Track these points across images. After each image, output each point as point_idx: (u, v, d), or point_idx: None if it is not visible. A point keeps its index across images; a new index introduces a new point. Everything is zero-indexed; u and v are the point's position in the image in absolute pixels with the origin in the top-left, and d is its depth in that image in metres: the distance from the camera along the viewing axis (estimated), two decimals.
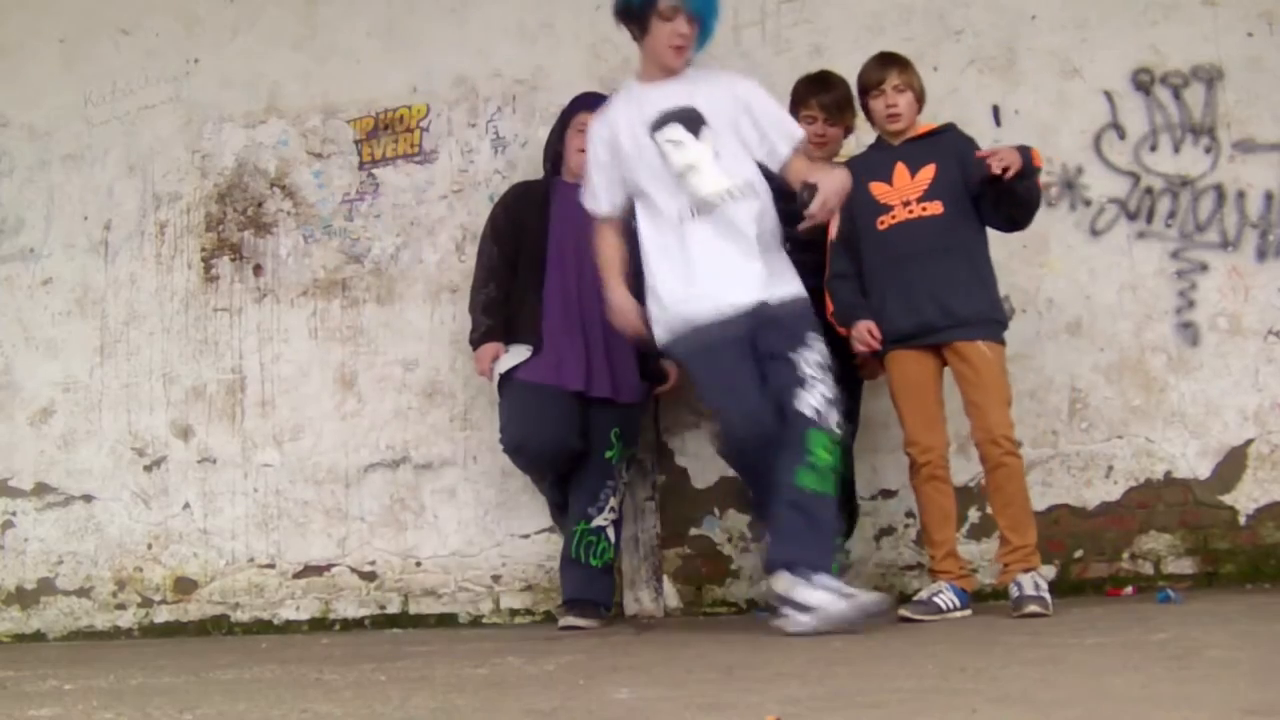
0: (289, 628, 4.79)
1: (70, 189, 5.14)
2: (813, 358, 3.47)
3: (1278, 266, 4.58)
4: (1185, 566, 4.49)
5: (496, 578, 4.74)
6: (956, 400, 3.87)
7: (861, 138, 4.28)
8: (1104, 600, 4.26)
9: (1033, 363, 4.61)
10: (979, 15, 4.77)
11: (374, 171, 4.99)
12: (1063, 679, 2.28)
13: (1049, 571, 4.42)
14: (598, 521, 4.23)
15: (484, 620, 4.70)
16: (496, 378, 4.28)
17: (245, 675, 3.06)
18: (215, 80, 5.11)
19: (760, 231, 3.56)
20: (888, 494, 4.58)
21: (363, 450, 4.87)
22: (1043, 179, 4.62)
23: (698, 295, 3.51)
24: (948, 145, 3.91)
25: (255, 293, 5.00)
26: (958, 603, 3.73)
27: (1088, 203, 4.66)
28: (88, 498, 4.98)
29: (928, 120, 4.00)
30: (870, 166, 3.93)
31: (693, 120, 3.57)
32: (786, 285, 3.59)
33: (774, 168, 3.62)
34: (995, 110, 4.71)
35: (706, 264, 3.52)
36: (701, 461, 4.59)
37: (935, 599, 3.71)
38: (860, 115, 4.16)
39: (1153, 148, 4.66)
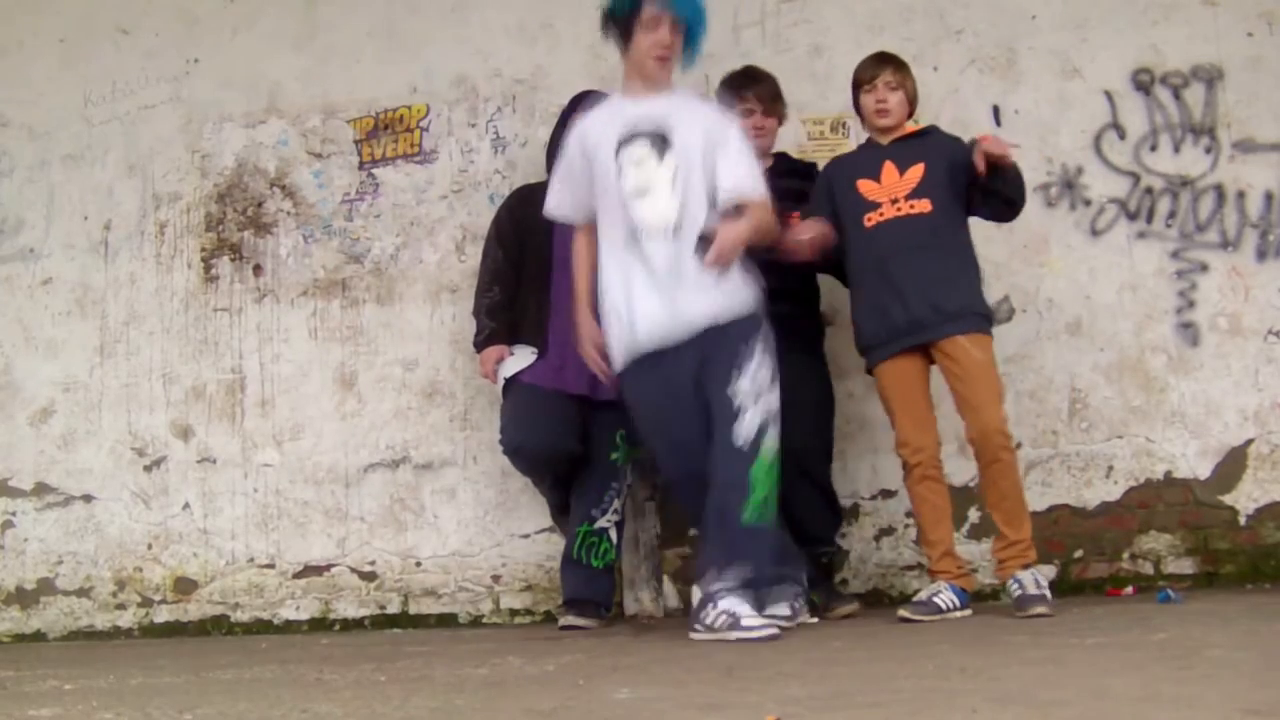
0: (289, 628, 4.79)
1: (70, 189, 5.14)
2: (745, 385, 3.39)
3: (1278, 266, 4.59)
4: (1185, 566, 4.49)
5: (496, 578, 4.74)
6: (951, 401, 3.87)
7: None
8: (1104, 600, 4.26)
9: (1033, 363, 4.61)
10: (979, 15, 4.77)
11: (374, 171, 5.00)
12: (1063, 679, 2.28)
13: (1049, 571, 4.43)
14: (601, 523, 4.23)
15: (484, 620, 4.70)
16: (501, 381, 4.28)
17: (245, 675, 3.05)
18: (215, 80, 5.11)
19: (703, 276, 3.44)
20: (888, 494, 4.58)
21: (363, 450, 4.87)
22: (1043, 179, 4.65)
23: (642, 321, 3.47)
24: (935, 145, 3.93)
25: (255, 293, 5.00)
26: (957, 602, 3.73)
27: (1088, 203, 4.66)
28: (88, 498, 4.97)
29: (928, 122, 4.00)
30: (858, 164, 3.95)
31: (660, 141, 3.51)
32: (732, 304, 3.48)
33: (722, 199, 3.50)
34: (995, 110, 4.71)
35: (649, 290, 3.46)
36: None
37: (935, 599, 3.72)
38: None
39: (1153, 148, 4.66)
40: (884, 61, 3.95)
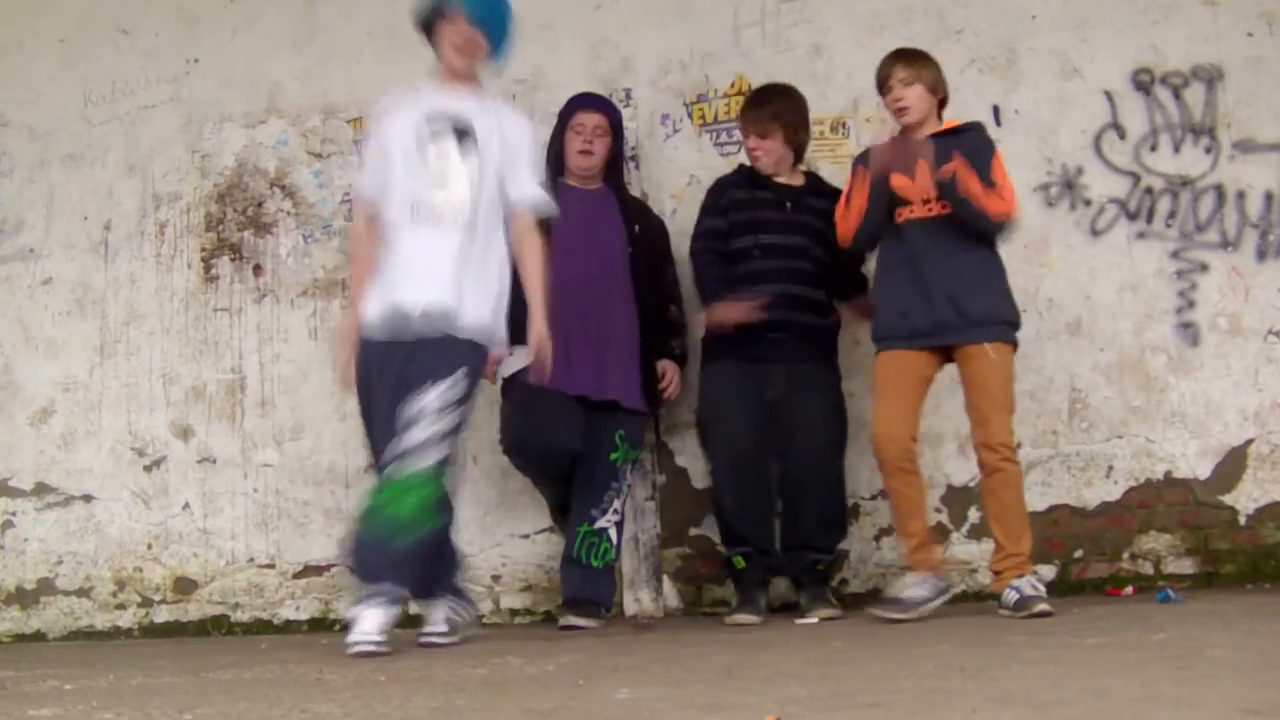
0: (289, 628, 4.79)
1: (70, 189, 5.14)
2: (431, 403, 3.42)
3: (1278, 266, 4.58)
4: (1185, 566, 4.49)
5: (496, 578, 4.74)
6: (952, 401, 3.87)
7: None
8: (1104, 600, 4.26)
9: (1033, 363, 4.60)
10: (979, 15, 4.76)
11: None
12: (1063, 679, 2.28)
13: (1048, 572, 4.43)
14: (601, 523, 4.22)
15: (484, 620, 4.69)
16: (500, 381, 4.28)
17: (245, 675, 3.05)
18: (215, 80, 5.11)
19: (470, 258, 3.54)
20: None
21: (362, 450, 4.81)
22: (1043, 179, 4.65)
23: (390, 297, 3.53)
24: (966, 145, 3.86)
25: (255, 293, 5.00)
26: (935, 592, 3.72)
27: (1088, 203, 4.66)
28: (88, 498, 4.97)
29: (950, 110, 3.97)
30: (899, 156, 3.86)
31: (464, 134, 3.62)
32: (466, 314, 3.53)
33: (504, 209, 3.63)
34: (995, 110, 4.70)
35: (410, 269, 3.53)
36: (701, 462, 4.58)
37: (907, 594, 3.70)
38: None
39: (1153, 148, 4.66)
40: (895, 59, 3.90)
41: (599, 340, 4.22)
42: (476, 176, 3.59)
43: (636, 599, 4.62)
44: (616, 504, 4.27)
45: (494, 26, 3.68)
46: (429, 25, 3.71)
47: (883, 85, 3.92)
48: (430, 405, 3.41)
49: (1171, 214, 4.63)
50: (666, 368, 4.37)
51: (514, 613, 4.72)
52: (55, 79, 5.19)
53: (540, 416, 4.14)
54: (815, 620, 3.97)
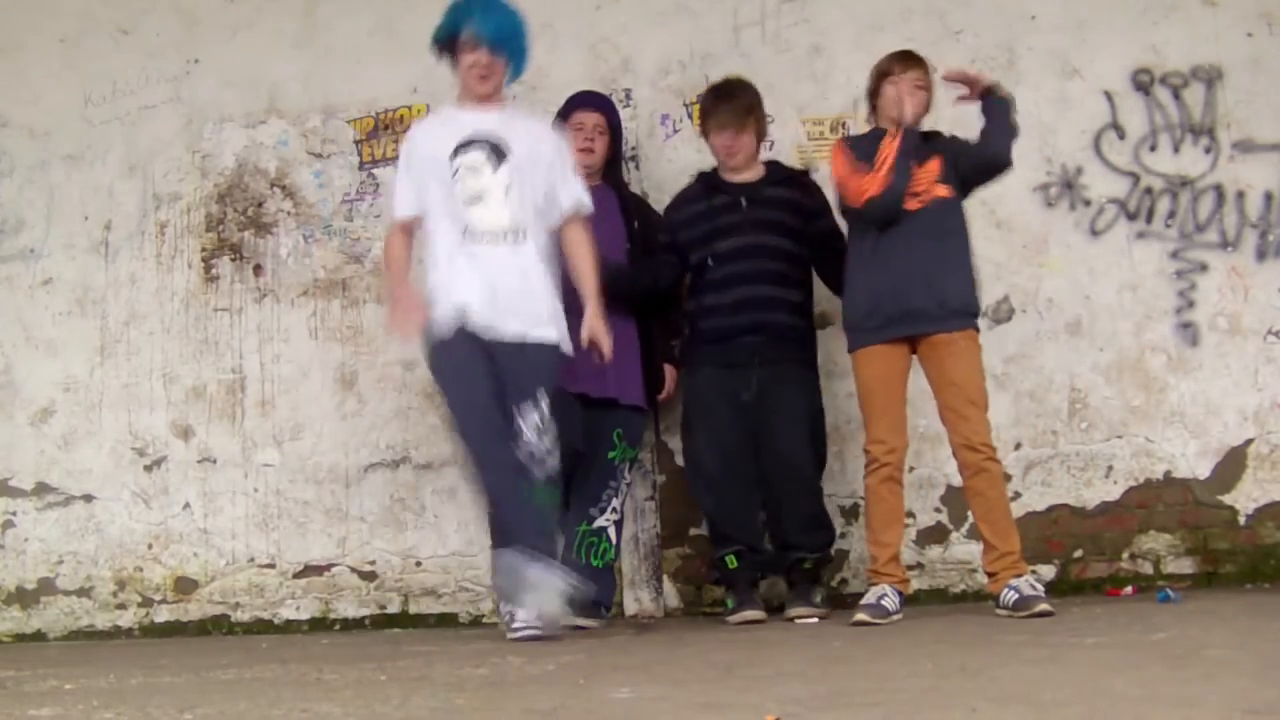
0: (289, 628, 4.79)
1: (70, 189, 5.14)
2: (533, 419, 3.56)
3: (1277, 266, 4.58)
4: (1185, 566, 4.49)
5: None
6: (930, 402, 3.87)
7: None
8: (1104, 600, 4.26)
9: (1033, 363, 4.61)
10: (979, 15, 4.77)
11: (374, 171, 5.00)
12: (1063, 679, 2.28)
13: (1048, 572, 4.43)
14: (599, 522, 4.22)
15: (484, 620, 4.69)
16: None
17: (245, 675, 3.06)
18: (215, 80, 5.11)
19: (533, 272, 3.68)
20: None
21: (363, 450, 4.87)
22: (1043, 179, 4.66)
23: (460, 308, 3.62)
24: (945, 142, 3.92)
25: (255, 293, 5.00)
26: (898, 605, 3.73)
27: (1088, 203, 4.66)
28: (88, 498, 4.98)
29: (927, 117, 3.97)
30: (878, 149, 3.86)
31: (496, 151, 3.70)
32: (540, 329, 3.66)
33: (550, 221, 3.76)
34: None
35: (475, 284, 3.62)
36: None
37: (882, 602, 3.70)
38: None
39: (1152, 148, 4.66)
40: (916, 61, 3.91)
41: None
42: (514, 189, 3.67)
43: (636, 599, 4.62)
44: (615, 503, 4.27)
45: (512, 48, 3.76)
46: (447, 49, 3.78)
47: (892, 74, 3.90)
48: (545, 414, 3.57)
49: (1171, 214, 4.63)
50: (665, 371, 4.39)
51: None
52: (55, 79, 5.19)
53: None
54: (813, 620, 3.97)
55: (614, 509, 4.26)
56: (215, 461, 4.93)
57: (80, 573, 4.95)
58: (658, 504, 4.67)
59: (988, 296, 4.37)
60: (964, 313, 3.82)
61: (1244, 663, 2.46)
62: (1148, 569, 4.50)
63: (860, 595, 3.94)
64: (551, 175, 3.76)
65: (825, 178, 4.45)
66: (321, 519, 4.86)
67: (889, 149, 3.80)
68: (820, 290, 4.35)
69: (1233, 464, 4.52)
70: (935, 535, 4.59)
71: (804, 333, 4.27)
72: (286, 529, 4.87)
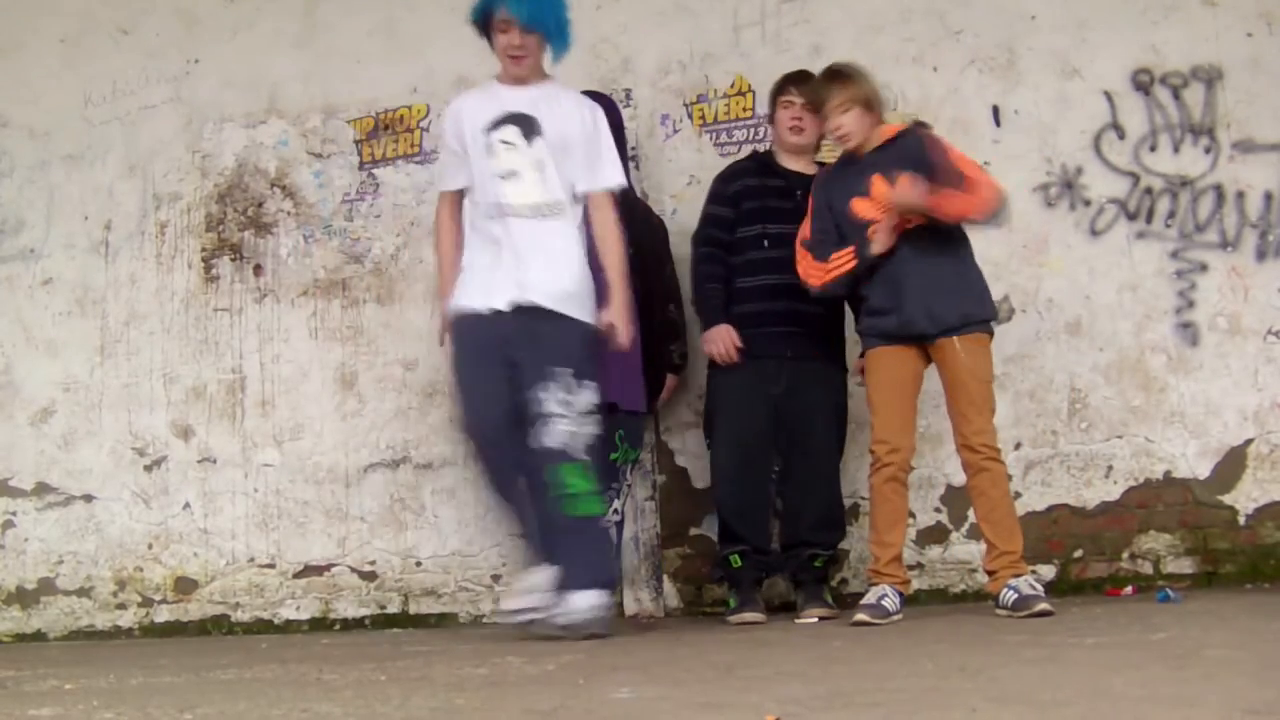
0: (289, 628, 4.79)
1: (70, 189, 5.14)
2: (558, 393, 3.57)
3: (1277, 266, 4.58)
4: (1185, 566, 4.49)
5: (496, 577, 4.74)
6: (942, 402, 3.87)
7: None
8: (1104, 600, 4.26)
9: (1033, 363, 4.61)
10: (979, 15, 4.76)
11: (374, 171, 5.00)
12: (1063, 679, 2.28)
13: (1048, 572, 4.43)
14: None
15: (484, 620, 4.69)
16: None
17: (245, 675, 3.06)
18: (215, 80, 5.11)
19: (564, 248, 3.69)
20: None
21: (363, 450, 4.87)
22: (1043, 179, 4.65)
23: (483, 285, 3.66)
24: (909, 152, 3.83)
25: (255, 293, 5.00)
26: (898, 606, 3.73)
27: (1088, 203, 4.66)
28: (88, 498, 4.98)
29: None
30: (848, 183, 3.88)
31: (530, 127, 3.71)
32: (567, 306, 3.65)
33: (580, 189, 3.74)
34: (995, 110, 4.71)
35: (504, 260, 3.66)
36: (701, 461, 4.59)
37: (883, 602, 3.70)
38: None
39: (1152, 148, 4.66)
40: (829, 83, 3.87)
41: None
42: (547, 166, 3.68)
43: (636, 599, 4.62)
44: (616, 504, 4.27)
45: (549, 24, 3.75)
46: (484, 26, 3.78)
47: (818, 107, 3.93)
48: (573, 387, 3.60)
49: (1171, 214, 4.63)
50: (665, 378, 4.41)
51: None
52: (55, 79, 5.19)
53: None
54: (814, 620, 3.97)
55: (615, 510, 4.27)
56: (215, 461, 4.93)
57: (80, 573, 4.95)
58: (658, 504, 4.67)
59: None
60: (979, 319, 3.84)
61: (1244, 663, 2.46)
62: (1148, 569, 4.50)
63: (860, 595, 3.94)
64: (587, 152, 3.74)
65: None
66: (321, 519, 4.86)
67: (842, 263, 3.84)
68: None
69: (1233, 464, 4.52)
70: (935, 535, 4.59)
71: (835, 328, 4.24)
72: (286, 529, 4.87)
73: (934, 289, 3.78)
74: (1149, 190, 4.64)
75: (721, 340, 4.15)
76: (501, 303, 3.63)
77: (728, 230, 4.25)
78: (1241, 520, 4.50)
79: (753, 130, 4.79)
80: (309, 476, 4.88)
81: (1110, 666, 2.45)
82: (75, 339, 5.06)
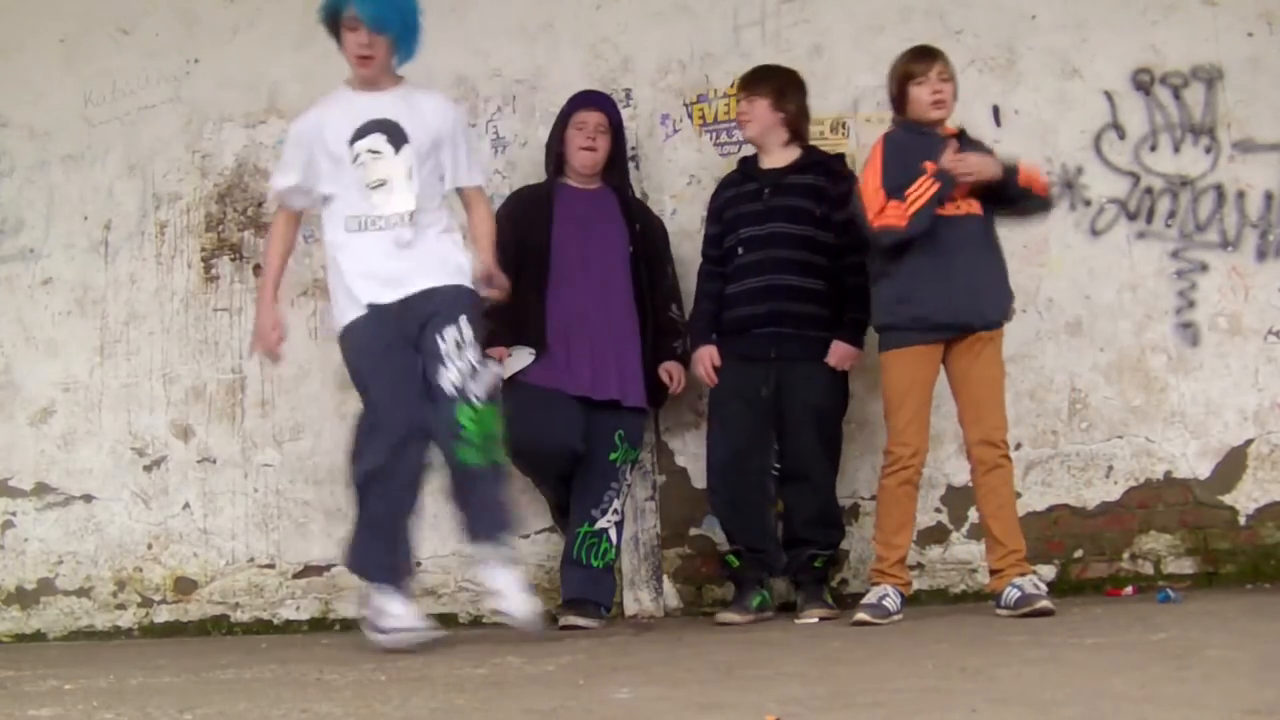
0: (289, 628, 4.79)
1: (70, 189, 5.14)
2: (452, 336, 3.59)
3: (1278, 266, 4.59)
4: (1185, 566, 4.49)
5: None
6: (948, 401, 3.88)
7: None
8: (1104, 600, 4.26)
9: (1033, 363, 4.61)
10: (979, 15, 4.76)
11: None
12: (1063, 679, 2.28)
13: (1048, 571, 4.43)
14: (601, 524, 4.23)
15: (484, 620, 4.69)
16: (500, 381, 4.28)
17: (245, 675, 3.06)
18: (215, 80, 5.10)
19: (441, 253, 3.70)
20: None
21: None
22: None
23: (366, 292, 3.67)
24: (968, 142, 3.91)
25: (255, 293, 4.99)
26: (899, 606, 3.72)
27: (1088, 203, 4.66)
28: (88, 498, 4.97)
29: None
30: (929, 146, 3.82)
31: (396, 134, 3.67)
32: (447, 278, 3.68)
33: (453, 186, 3.80)
34: (995, 110, 4.71)
35: (377, 269, 3.65)
36: (701, 461, 4.58)
37: (884, 602, 3.70)
38: None
39: (1153, 148, 4.66)
40: (935, 56, 3.90)
41: (599, 339, 4.23)
42: (416, 172, 3.66)
43: (636, 599, 4.62)
44: (616, 504, 4.27)
45: (396, 28, 3.69)
46: (332, 30, 3.73)
47: (918, 75, 3.87)
48: (465, 332, 3.62)
49: (1171, 214, 4.63)
50: (672, 369, 4.37)
51: None
52: (55, 79, 5.18)
53: (540, 417, 4.14)
54: (814, 620, 3.97)
55: (615, 510, 4.27)
56: (215, 462, 4.93)
57: (80, 573, 4.95)
58: (658, 504, 4.67)
59: None
60: (1000, 319, 3.87)
61: (1244, 663, 2.46)
62: (1148, 569, 4.50)
63: (860, 595, 3.94)
64: (454, 149, 3.76)
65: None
66: (321, 519, 4.85)
67: (924, 189, 3.75)
68: None
69: (1233, 464, 4.52)
70: (935, 535, 4.59)
71: (827, 323, 4.17)
72: (286, 529, 4.87)
73: (983, 282, 3.80)
74: (1149, 190, 4.64)
75: (700, 362, 4.23)
76: (389, 299, 3.64)
77: (718, 246, 4.31)
78: (1242, 520, 4.50)
79: None
80: (309, 476, 4.88)
81: (1110, 667, 2.45)
82: (75, 339, 5.06)
